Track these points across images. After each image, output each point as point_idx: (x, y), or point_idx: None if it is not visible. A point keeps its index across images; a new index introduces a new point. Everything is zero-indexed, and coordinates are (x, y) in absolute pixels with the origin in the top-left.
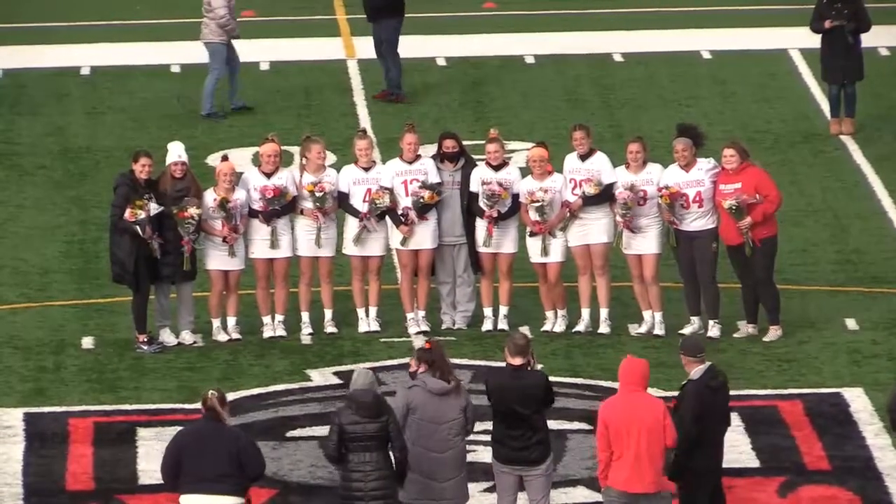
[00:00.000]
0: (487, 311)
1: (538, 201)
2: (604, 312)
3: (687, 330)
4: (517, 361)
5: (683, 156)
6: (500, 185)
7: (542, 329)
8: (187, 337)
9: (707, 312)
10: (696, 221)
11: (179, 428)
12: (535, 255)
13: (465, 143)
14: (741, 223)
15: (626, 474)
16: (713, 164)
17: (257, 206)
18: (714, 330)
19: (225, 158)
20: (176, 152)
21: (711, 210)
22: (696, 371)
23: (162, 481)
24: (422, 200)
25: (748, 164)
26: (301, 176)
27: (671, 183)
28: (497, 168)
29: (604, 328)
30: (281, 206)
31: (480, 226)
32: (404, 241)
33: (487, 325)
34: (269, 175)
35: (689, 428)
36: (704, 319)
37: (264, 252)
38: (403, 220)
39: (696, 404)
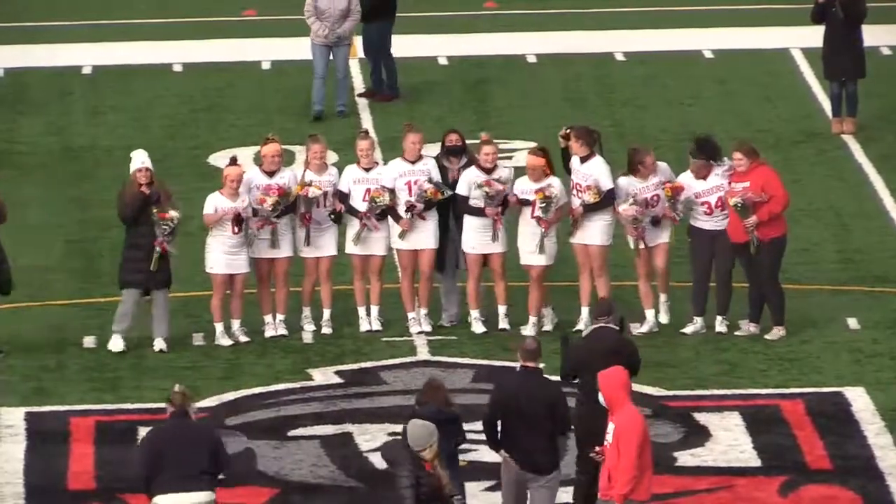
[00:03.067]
0: (475, 314)
1: (550, 197)
2: None
3: (688, 329)
4: (529, 365)
5: (699, 175)
6: (499, 180)
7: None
8: (159, 345)
9: (718, 307)
10: (719, 221)
11: None
12: (525, 255)
13: (467, 142)
14: (747, 221)
15: (647, 484)
16: (727, 164)
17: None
18: (721, 326)
19: (234, 161)
20: (139, 160)
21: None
22: (588, 329)
23: (140, 485)
24: (426, 195)
25: (758, 163)
26: (304, 173)
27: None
28: (489, 171)
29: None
30: (284, 206)
31: (471, 227)
32: (402, 235)
33: (479, 328)
34: (271, 175)
35: (561, 373)
36: (707, 321)
37: (265, 252)
38: (410, 211)
39: (571, 355)
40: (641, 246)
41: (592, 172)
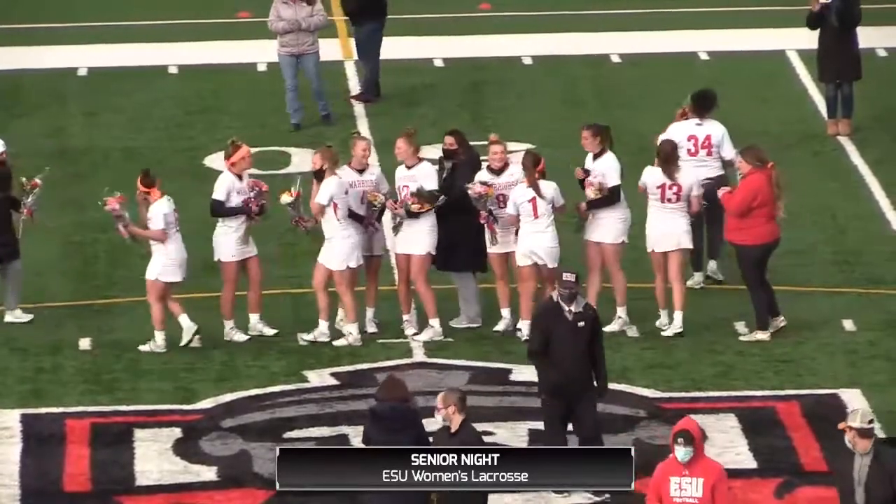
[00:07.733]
0: (505, 313)
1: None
2: (621, 310)
3: (688, 282)
4: None
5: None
6: (484, 183)
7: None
8: (20, 315)
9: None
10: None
11: (175, 429)
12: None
13: (469, 142)
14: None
15: None
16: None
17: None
18: (712, 269)
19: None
20: None
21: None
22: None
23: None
24: (408, 205)
25: (754, 170)
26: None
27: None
28: (499, 172)
29: (613, 326)
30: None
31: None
32: (398, 227)
33: (501, 326)
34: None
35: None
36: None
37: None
38: (393, 210)
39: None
40: (653, 240)
41: (602, 169)
